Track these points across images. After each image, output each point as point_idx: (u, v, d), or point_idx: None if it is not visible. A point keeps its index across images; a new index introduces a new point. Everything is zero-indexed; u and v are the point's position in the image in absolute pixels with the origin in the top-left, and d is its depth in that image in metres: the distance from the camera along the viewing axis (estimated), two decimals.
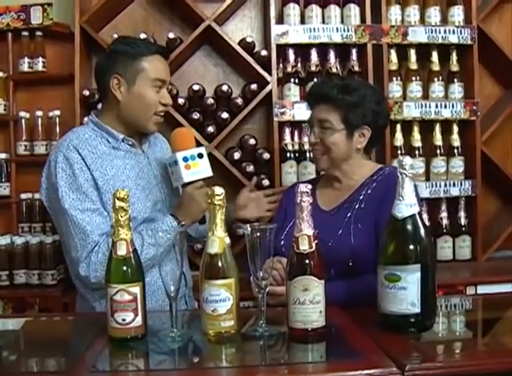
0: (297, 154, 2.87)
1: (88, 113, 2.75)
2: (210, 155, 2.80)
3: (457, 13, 2.89)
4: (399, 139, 2.90)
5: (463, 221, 2.92)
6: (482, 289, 2.58)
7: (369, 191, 1.82)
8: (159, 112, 1.85)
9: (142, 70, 1.80)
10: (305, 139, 2.80)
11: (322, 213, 1.84)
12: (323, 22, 2.85)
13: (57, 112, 2.85)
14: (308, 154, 2.83)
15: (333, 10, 2.84)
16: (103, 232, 1.71)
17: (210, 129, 2.76)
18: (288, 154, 2.86)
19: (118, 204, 1.34)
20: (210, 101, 2.76)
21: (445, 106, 2.86)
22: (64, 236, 1.77)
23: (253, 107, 2.86)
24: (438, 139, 2.92)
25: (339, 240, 1.75)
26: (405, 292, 1.34)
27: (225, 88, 2.79)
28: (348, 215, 1.80)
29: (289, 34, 2.81)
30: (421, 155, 2.91)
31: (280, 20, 2.87)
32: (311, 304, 1.34)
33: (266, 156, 2.77)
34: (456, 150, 2.92)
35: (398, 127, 2.89)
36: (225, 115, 2.76)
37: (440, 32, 2.86)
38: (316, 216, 1.76)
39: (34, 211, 2.82)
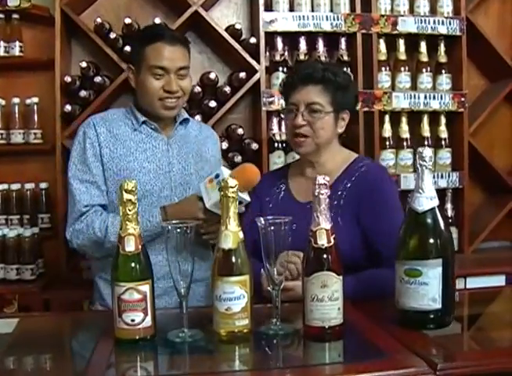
0: (284, 144, 2.81)
1: (69, 100, 2.64)
2: None
3: (446, 4, 2.87)
4: (388, 130, 2.87)
5: (449, 212, 2.92)
6: (471, 281, 2.57)
7: (347, 186, 1.76)
8: (164, 98, 1.83)
9: (143, 59, 1.84)
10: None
11: (297, 204, 1.80)
12: (312, 10, 2.79)
13: (35, 99, 2.71)
14: None
15: None
16: (94, 204, 1.81)
17: (198, 118, 2.67)
18: (276, 144, 2.81)
19: (126, 196, 1.26)
20: (198, 89, 2.67)
21: (434, 98, 2.84)
22: (68, 203, 1.90)
23: (240, 96, 2.78)
24: (426, 131, 2.90)
25: None
26: (427, 287, 1.30)
27: (212, 76, 2.71)
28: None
29: (278, 22, 2.74)
30: (409, 147, 2.88)
31: (268, 7, 2.80)
32: (329, 301, 1.29)
33: (255, 146, 2.70)
34: (443, 142, 2.91)
35: (387, 118, 2.86)
36: (212, 104, 2.68)
37: (429, 23, 2.83)
38: (292, 207, 1.78)
39: (12, 202, 2.70)
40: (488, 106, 2.96)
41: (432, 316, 1.32)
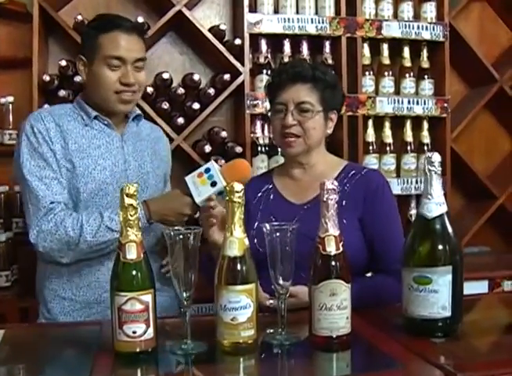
0: (267, 148, 2.77)
1: (47, 100, 2.54)
2: (178, 148, 2.66)
3: (429, 9, 2.88)
4: (371, 135, 2.86)
5: None
6: None
7: (347, 188, 1.73)
8: (120, 91, 1.73)
9: (98, 47, 1.72)
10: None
11: (292, 206, 1.76)
12: (297, 12, 2.76)
13: (10, 98, 2.60)
14: (279, 148, 2.73)
15: (308, 0, 2.75)
16: (59, 201, 1.68)
17: (180, 120, 2.60)
18: (259, 148, 2.76)
19: (127, 201, 1.19)
20: (181, 90, 2.61)
21: (417, 103, 2.85)
22: (23, 204, 1.74)
23: (223, 99, 2.73)
24: (409, 136, 2.91)
25: None
26: (437, 295, 1.27)
27: (196, 77, 2.64)
28: None
29: (262, 23, 2.70)
30: (392, 151, 2.88)
31: (253, 8, 2.75)
32: (338, 309, 1.24)
33: (239, 149, 2.65)
34: (425, 147, 2.91)
35: (370, 122, 2.85)
36: (196, 106, 2.62)
37: (413, 28, 2.83)
38: (286, 210, 1.75)
39: None
40: (469, 111, 2.99)
41: (441, 324, 1.28)
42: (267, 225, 1.30)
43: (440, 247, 1.29)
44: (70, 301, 1.74)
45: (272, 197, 1.82)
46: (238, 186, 1.24)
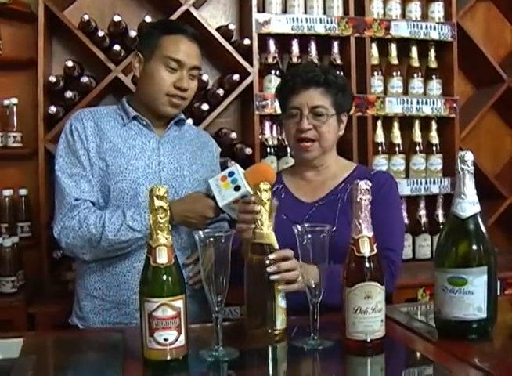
0: (277, 149, 2.74)
1: (53, 102, 2.50)
2: None
3: (437, 9, 2.86)
4: (380, 136, 2.83)
5: (440, 219, 2.90)
6: None
7: None
8: (172, 95, 1.73)
9: (159, 47, 1.73)
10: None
11: (304, 205, 1.76)
12: (305, 12, 2.73)
13: (14, 100, 2.54)
14: (288, 149, 2.70)
15: (316, 0, 2.72)
16: (85, 198, 1.69)
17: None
18: (268, 149, 2.73)
19: (157, 203, 1.15)
20: None
21: (426, 103, 2.83)
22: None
23: (232, 100, 2.69)
24: (418, 136, 2.88)
25: (336, 232, 1.63)
26: (472, 296, 1.24)
27: (204, 78, 2.60)
28: (339, 205, 1.72)
29: (271, 23, 2.66)
30: (401, 152, 2.86)
31: (261, 8, 2.72)
32: (373, 312, 1.22)
33: (248, 151, 2.62)
34: (434, 148, 2.89)
35: (379, 123, 2.83)
36: (205, 107, 2.58)
37: (422, 27, 2.81)
38: (298, 208, 1.74)
39: None
40: (476, 111, 2.97)
41: (476, 326, 1.26)
42: (298, 227, 1.26)
43: (475, 247, 1.27)
44: (101, 300, 1.73)
45: (283, 196, 1.80)
46: (265, 185, 1.23)
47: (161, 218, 1.16)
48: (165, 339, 1.14)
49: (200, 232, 1.21)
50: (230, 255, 1.21)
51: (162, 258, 1.15)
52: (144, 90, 1.77)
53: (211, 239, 1.19)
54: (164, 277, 1.15)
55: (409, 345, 1.26)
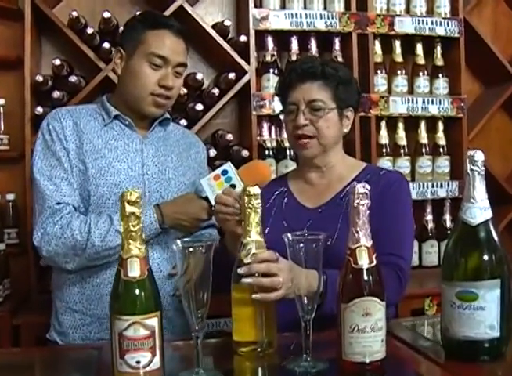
0: (275, 151, 2.62)
1: (40, 102, 2.39)
2: None
3: (443, 4, 2.74)
4: (384, 137, 2.70)
5: (448, 223, 2.77)
6: None
7: None
8: (157, 94, 1.62)
9: (142, 43, 1.63)
10: (284, 134, 2.53)
11: (306, 211, 1.64)
12: (305, 7, 2.61)
13: (1, 101, 2.45)
14: (288, 152, 2.59)
15: None
16: (67, 202, 1.58)
17: (183, 123, 2.44)
18: (266, 152, 2.61)
19: (128, 209, 1.03)
20: (183, 91, 2.45)
21: (432, 102, 2.70)
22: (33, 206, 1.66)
23: (228, 99, 2.58)
24: (424, 137, 2.76)
25: (338, 238, 1.51)
26: (483, 313, 1.11)
27: (199, 76, 2.49)
28: (342, 212, 1.57)
29: (269, 20, 2.55)
30: (406, 154, 2.73)
31: (258, 4, 2.61)
32: (372, 331, 1.09)
33: (245, 153, 2.50)
34: (441, 149, 2.76)
35: (383, 123, 2.70)
36: (199, 107, 2.46)
37: (427, 23, 2.69)
38: (301, 214, 1.63)
39: None
40: (486, 111, 2.85)
41: (487, 346, 1.13)
42: (288, 235, 1.14)
43: (486, 257, 1.13)
44: (82, 314, 1.62)
45: (285, 200, 1.70)
46: (255, 189, 1.09)
47: (133, 226, 1.04)
48: (137, 362, 1.01)
49: (178, 241, 1.08)
50: (212, 267, 1.08)
51: (134, 270, 1.03)
52: (126, 88, 1.66)
53: (190, 249, 1.07)
54: (136, 292, 1.03)
55: (412, 368, 1.13)
